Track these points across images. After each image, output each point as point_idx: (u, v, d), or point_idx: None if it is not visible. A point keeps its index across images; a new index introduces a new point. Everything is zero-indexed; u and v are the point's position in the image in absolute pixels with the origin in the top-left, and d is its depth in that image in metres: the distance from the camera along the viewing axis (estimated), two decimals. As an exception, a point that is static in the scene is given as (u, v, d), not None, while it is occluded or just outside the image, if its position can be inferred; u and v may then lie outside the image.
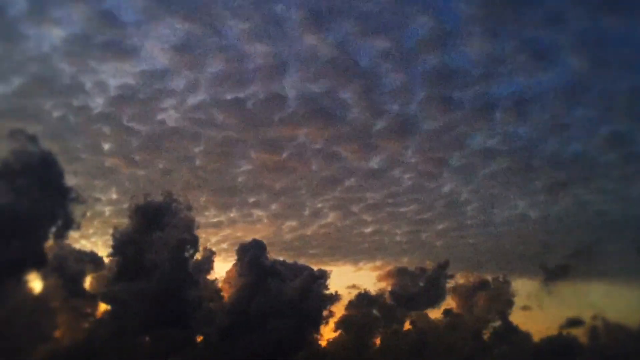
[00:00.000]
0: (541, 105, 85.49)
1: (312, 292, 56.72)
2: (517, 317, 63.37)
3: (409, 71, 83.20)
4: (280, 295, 55.66)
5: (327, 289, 57.76)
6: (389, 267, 70.54)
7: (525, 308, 64.66)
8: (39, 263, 41.34)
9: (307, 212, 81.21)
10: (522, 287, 65.22)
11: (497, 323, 62.78)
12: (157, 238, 46.94)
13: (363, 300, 61.20)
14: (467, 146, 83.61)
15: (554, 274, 65.16)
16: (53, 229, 41.61)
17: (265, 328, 54.35)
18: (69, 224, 42.16)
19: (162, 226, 47.40)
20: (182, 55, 77.90)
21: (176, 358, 51.49)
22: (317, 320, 57.23)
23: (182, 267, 49.55)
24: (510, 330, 62.58)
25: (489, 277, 65.02)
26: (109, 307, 47.21)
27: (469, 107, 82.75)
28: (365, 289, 61.99)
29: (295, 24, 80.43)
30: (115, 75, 77.07)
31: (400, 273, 61.66)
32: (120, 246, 46.37)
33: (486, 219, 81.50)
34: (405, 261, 78.16)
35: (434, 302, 61.36)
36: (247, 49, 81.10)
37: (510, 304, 63.42)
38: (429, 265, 63.94)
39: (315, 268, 59.64)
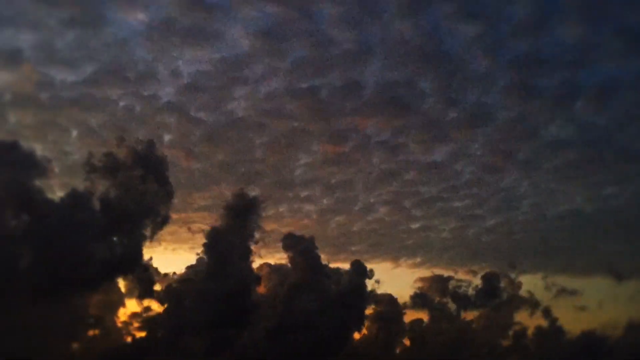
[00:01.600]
0: (624, 95, 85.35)
1: (359, 290, 56.82)
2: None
3: (497, 58, 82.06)
4: (327, 293, 55.57)
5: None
6: (428, 265, 72.19)
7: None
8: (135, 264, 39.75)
9: (357, 207, 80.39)
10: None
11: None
12: (241, 236, 45.61)
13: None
14: (539, 137, 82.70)
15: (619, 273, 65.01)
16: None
17: (312, 326, 54.34)
18: (163, 223, 40.77)
19: (247, 224, 46.11)
20: (265, 40, 75.56)
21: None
22: (362, 319, 57.47)
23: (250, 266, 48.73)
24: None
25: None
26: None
27: (550, 96, 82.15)
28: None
29: (392, 7, 78.89)
30: (192, 62, 78.00)
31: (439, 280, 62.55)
32: (212, 245, 44.86)
33: (538, 215, 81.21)
34: (445, 258, 79.13)
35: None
36: (334, 34, 78.60)
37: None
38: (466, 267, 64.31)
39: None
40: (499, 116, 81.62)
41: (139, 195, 38.47)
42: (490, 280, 61.40)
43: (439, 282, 62.87)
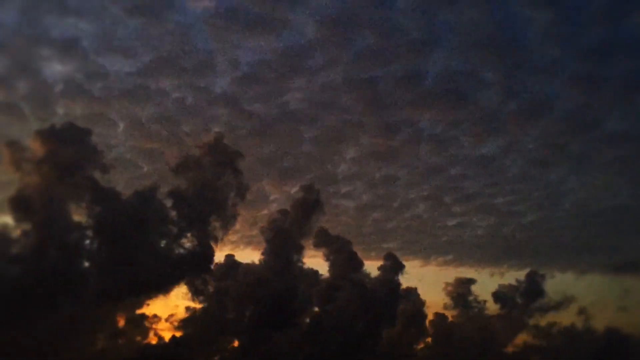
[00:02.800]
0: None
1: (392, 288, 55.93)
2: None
3: (567, 47, 78.52)
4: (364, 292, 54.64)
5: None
6: (456, 263, 71.69)
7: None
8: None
9: (396, 204, 77.25)
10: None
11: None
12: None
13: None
14: (596, 130, 79.91)
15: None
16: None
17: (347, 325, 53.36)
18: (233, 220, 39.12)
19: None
20: (331, 28, 70.50)
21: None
22: (394, 316, 56.33)
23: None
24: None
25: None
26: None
27: (613, 87, 78.35)
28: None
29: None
30: (252, 51, 73.47)
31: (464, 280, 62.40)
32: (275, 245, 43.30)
33: (580, 211, 78.97)
34: (476, 256, 77.03)
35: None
36: (404, 22, 73.79)
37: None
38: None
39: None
40: (558, 108, 78.52)
41: (213, 191, 36.65)
42: (532, 279, 60.38)
43: (464, 282, 62.83)
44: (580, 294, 64.93)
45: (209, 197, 36.74)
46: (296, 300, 46.24)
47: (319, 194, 45.49)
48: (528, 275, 60.55)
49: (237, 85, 71.85)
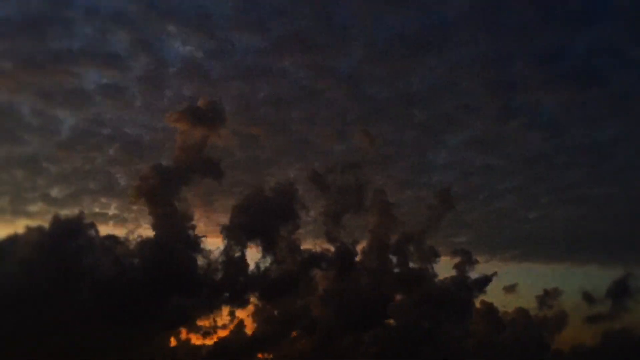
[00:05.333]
0: None
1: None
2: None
3: None
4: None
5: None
6: (522, 258, 69.36)
7: None
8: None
9: (483, 195, 72.32)
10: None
11: None
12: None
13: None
14: None
15: None
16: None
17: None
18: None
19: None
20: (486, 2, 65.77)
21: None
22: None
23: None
24: None
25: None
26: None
27: None
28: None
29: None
30: (389, 26, 67.70)
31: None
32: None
33: None
34: (550, 250, 73.30)
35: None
36: None
37: None
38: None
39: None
40: None
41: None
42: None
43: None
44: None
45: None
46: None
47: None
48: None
49: (363, 65, 67.76)
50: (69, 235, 36.33)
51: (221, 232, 40.75)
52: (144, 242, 38.63)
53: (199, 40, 63.77)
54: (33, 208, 56.56)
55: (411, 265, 50.89)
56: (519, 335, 56.59)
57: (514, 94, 71.07)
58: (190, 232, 39.60)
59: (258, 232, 40.92)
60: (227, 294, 41.29)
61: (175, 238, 39.02)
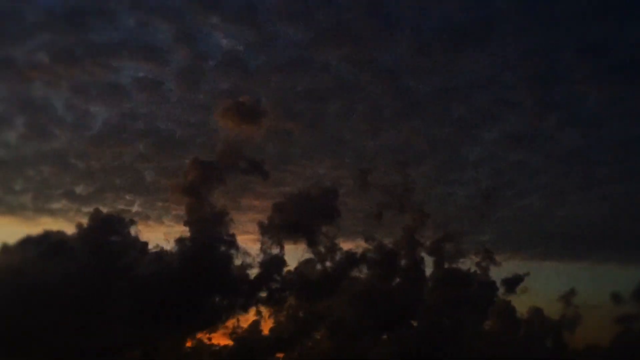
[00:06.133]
0: None
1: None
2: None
3: None
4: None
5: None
6: (538, 258, 68.05)
7: None
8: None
9: (511, 193, 69.07)
10: None
11: None
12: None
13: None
14: None
15: None
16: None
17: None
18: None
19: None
20: None
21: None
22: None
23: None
24: None
25: None
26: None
27: None
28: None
29: None
30: (438, 18, 64.51)
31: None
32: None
33: None
34: (572, 249, 70.74)
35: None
36: None
37: None
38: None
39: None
40: None
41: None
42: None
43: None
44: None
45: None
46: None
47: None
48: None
49: (405, 58, 65.32)
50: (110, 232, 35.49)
51: (259, 231, 40.17)
52: (180, 241, 37.84)
53: (242, 32, 61.93)
54: (56, 205, 54.82)
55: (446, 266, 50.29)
56: (536, 335, 55.72)
57: (556, 88, 68.72)
58: (224, 229, 38.72)
59: (299, 231, 40.12)
60: (262, 294, 40.76)
61: (211, 236, 38.18)
